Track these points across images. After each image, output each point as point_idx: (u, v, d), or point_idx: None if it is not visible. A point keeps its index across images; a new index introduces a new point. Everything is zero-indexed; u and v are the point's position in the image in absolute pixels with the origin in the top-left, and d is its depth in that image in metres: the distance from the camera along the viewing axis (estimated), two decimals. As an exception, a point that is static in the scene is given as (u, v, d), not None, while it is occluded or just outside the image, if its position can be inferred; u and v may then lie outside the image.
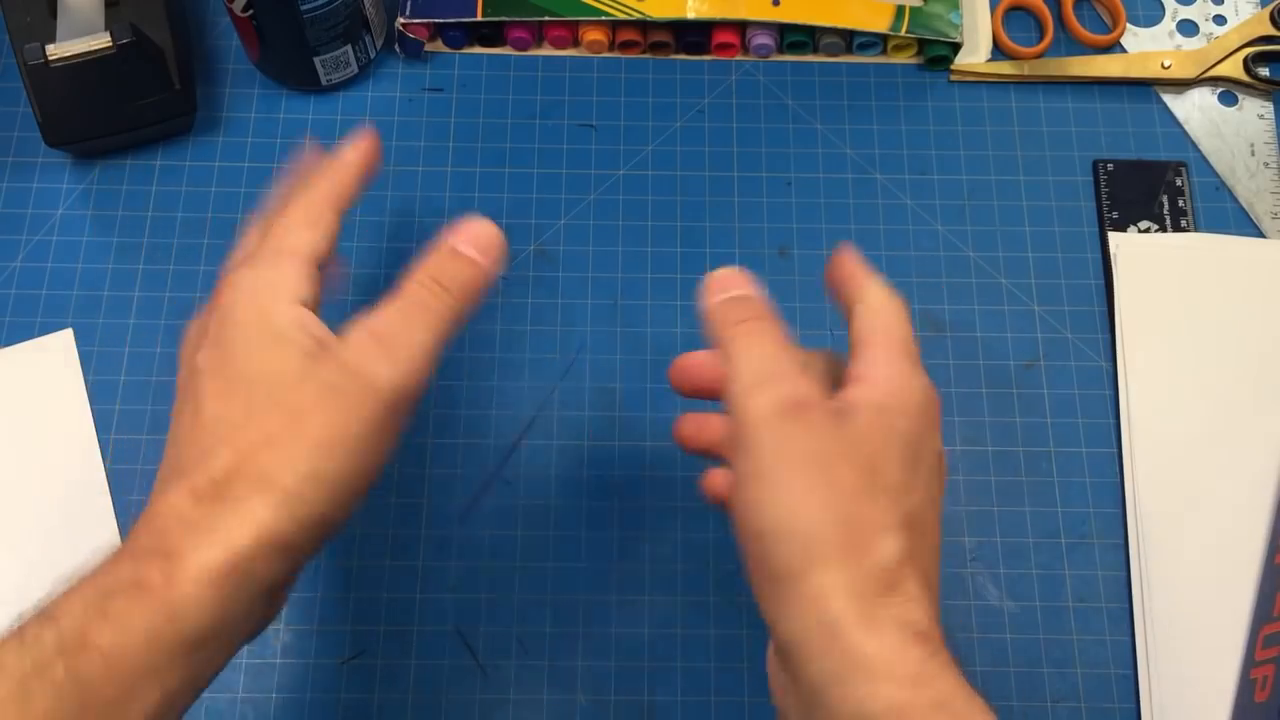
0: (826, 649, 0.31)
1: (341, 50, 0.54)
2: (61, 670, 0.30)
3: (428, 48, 0.58)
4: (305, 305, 0.35)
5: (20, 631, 0.31)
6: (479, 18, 0.56)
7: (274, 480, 0.32)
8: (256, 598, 0.32)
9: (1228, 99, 0.57)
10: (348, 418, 0.33)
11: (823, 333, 0.52)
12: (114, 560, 0.32)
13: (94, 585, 0.31)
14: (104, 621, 0.30)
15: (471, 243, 0.36)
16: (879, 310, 0.36)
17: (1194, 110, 0.57)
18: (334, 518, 0.33)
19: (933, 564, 0.34)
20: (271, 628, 0.42)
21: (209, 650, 0.32)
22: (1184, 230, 0.54)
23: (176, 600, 0.31)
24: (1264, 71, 0.57)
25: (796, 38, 0.57)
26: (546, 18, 0.56)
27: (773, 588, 0.32)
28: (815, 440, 0.33)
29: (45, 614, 0.31)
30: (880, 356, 0.35)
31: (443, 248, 0.36)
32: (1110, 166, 0.55)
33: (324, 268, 0.37)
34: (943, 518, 0.35)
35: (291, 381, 0.33)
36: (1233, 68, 0.57)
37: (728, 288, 0.36)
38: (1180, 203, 0.55)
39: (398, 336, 0.34)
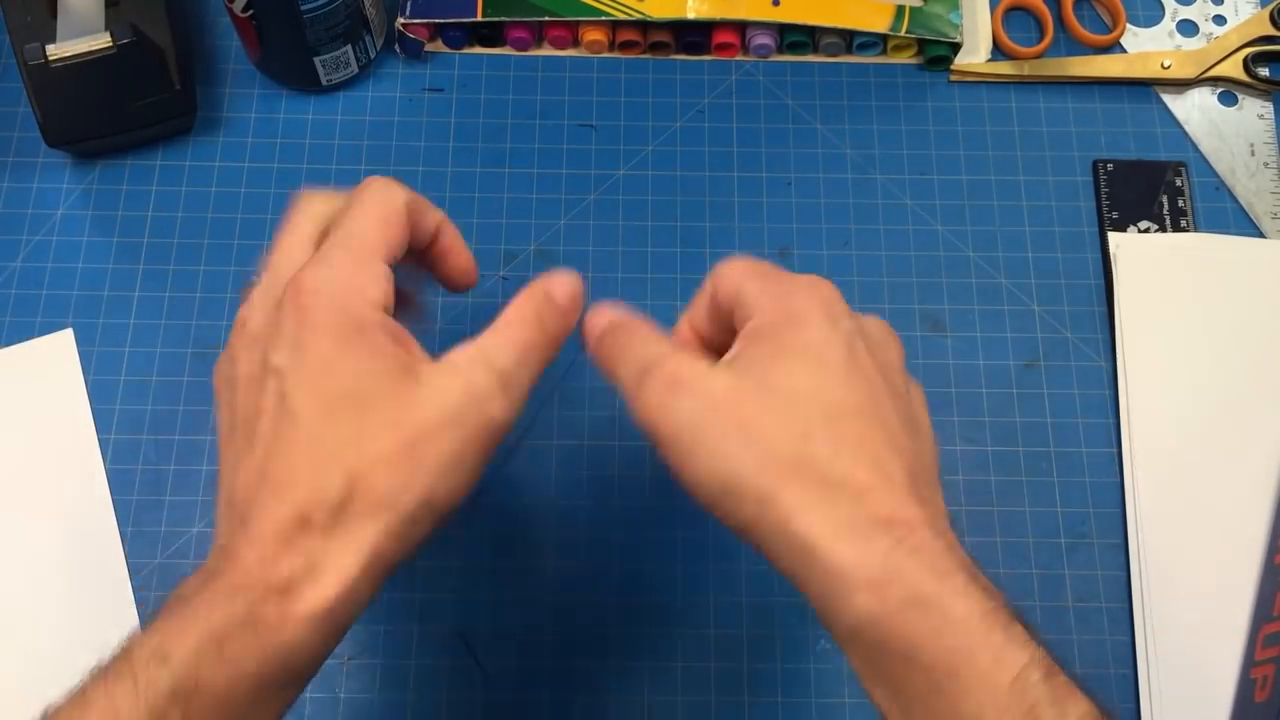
0: (809, 574, 0.31)
1: (341, 50, 0.54)
2: (177, 718, 0.29)
3: (428, 48, 0.58)
4: (388, 313, 0.34)
5: (132, 668, 0.29)
6: (479, 18, 0.56)
7: (392, 504, 0.32)
8: (351, 625, 0.32)
9: (1228, 99, 0.57)
10: (465, 447, 0.33)
11: (823, 333, 0.52)
12: (219, 593, 0.30)
13: (204, 622, 0.30)
14: (219, 665, 0.29)
15: (564, 295, 0.37)
16: (722, 275, 0.36)
17: (1194, 110, 0.57)
18: (427, 540, 0.33)
19: (886, 439, 0.33)
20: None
21: (306, 682, 0.32)
22: (1184, 230, 0.54)
23: (291, 641, 0.30)
24: (1264, 71, 0.57)
25: (796, 38, 0.57)
26: (546, 18, 0.56)
27: (751, 537, 0.33)
28: (704, 400, 0.33)
29: (157, 651, 0.29)
30: (750, 293, 0.35)
31: (540, 291, 0.37)
32: (1110, 166, 0.55)
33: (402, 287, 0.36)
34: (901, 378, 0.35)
35: (405, 401, 0.33)
36: (1233, 68, 0.57)
37: (599, 324, 0.38)
38: (1180, 203, 0.55)
39: (514, 376, 0.35)
